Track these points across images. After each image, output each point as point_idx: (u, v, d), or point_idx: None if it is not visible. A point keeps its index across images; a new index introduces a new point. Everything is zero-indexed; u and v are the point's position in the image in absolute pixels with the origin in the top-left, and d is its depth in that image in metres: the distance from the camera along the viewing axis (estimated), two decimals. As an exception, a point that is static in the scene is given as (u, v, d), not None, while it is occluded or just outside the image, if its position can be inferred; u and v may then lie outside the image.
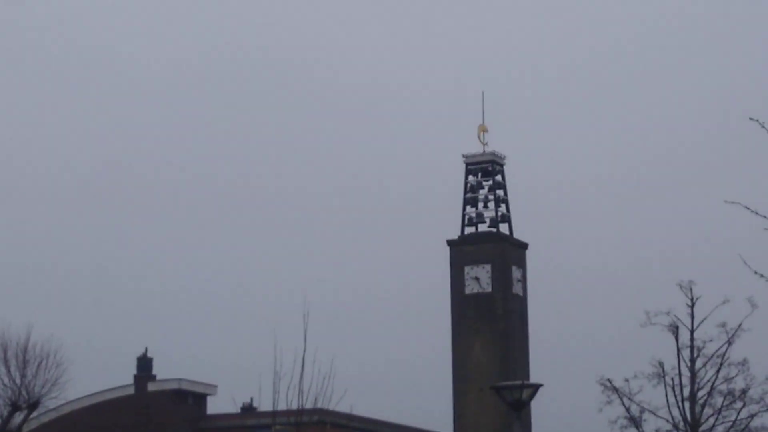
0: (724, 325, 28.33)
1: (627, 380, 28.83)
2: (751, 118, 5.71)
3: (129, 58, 69.31)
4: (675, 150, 69.02)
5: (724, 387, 28.66)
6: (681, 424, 28.50)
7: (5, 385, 28.46)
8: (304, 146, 71.19)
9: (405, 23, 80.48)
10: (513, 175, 37.17)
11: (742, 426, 29.10)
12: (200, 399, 39.22)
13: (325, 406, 11.15)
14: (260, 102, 69.06)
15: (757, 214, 5.87)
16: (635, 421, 28.92)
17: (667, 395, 28.55)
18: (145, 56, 72.89)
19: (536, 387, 9.50)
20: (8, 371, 28.55)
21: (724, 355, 28.53)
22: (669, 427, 28.77)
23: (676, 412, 28.58)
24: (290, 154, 71.60)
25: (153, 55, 74.01)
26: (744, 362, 28.67)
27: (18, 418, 28.85)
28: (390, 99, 71.54)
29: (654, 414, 28.90)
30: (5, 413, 28.55)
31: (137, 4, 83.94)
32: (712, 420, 28.84)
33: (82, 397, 36.71)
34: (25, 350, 28.76)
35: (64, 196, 63.67)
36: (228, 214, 66.25)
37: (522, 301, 34.95)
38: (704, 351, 28.57)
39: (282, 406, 11.03)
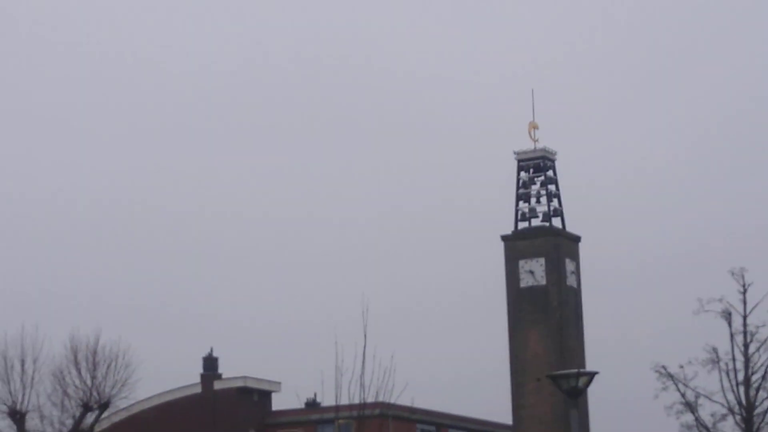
0: (776, 309, 28.96)
1: (681, 366, 29.51)
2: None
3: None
4: (722, 139, 68.88)
5: (777, 370, 29.28)
6: (736, 408, 29.12)
7: (77, 387, 29.31)
8: (355, 146, 72.81)
9: (455, 20, 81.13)
10: (564, 169, 38.02)
11: (796, 407, 29.65)
12: (265, 396, 40.16)
13: (387, 400, 11.09)
14: (319, 105, 70.81)
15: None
16: (691, 406, 29.62)
17: (721, 380, 29.18)
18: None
19: (592, 375, 9.77)
20: (79, 373, 29.41)
21: (776, 339, 29.21)
22: (724, 411, 29.36)
23: (731, 397, 29.20)
24: (342, 152, 73.32)
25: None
26: (796, 345, 29.31)
27: (90, 418, 29.79)
28: (442, 97, 72.50)
29: (709, 399, 29.55)
30: (77, 414, 29.47)
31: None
32: (766, 403, 29.52)
33: (151, 397, 37.70)
34: (95, 352, 29.65)
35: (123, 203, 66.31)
36: (283, 213, 68.70)
37: (576, 293, 35.76)
38: (757, 336, 29.17)
39: (344, 401, 11.22)
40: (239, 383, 38.47)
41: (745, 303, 29.33)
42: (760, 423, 29.41)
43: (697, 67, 72.10)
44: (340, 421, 16.73)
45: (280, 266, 64.20)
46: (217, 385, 38.70)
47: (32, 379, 29.01)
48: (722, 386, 29.23)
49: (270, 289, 63.18)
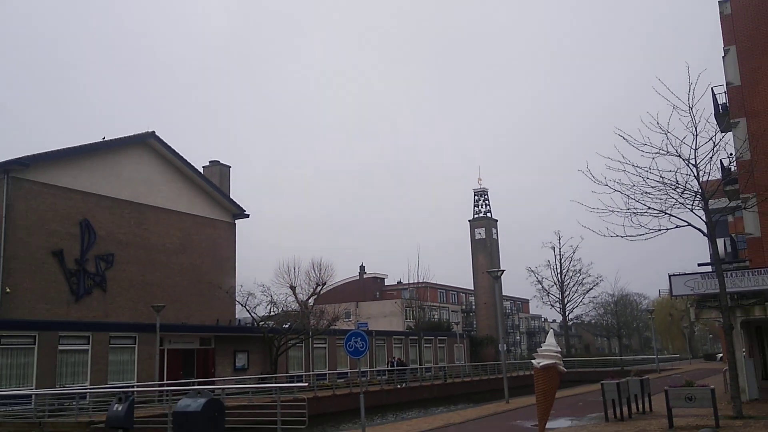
0: None
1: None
2: None
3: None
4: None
5: None
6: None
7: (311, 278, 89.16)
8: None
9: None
10: (492, 196, 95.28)
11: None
12: (381, 279, 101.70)
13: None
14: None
15: None
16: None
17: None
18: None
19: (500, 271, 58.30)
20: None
21: None
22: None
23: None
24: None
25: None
26: None
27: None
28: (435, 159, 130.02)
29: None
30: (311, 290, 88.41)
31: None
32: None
33: (337, 281, 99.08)
34: (320, 264, 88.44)
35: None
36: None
37: (496, 242, 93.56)
38: None
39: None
40: (370, 275, 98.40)
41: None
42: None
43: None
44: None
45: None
46: (365, 277, 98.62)
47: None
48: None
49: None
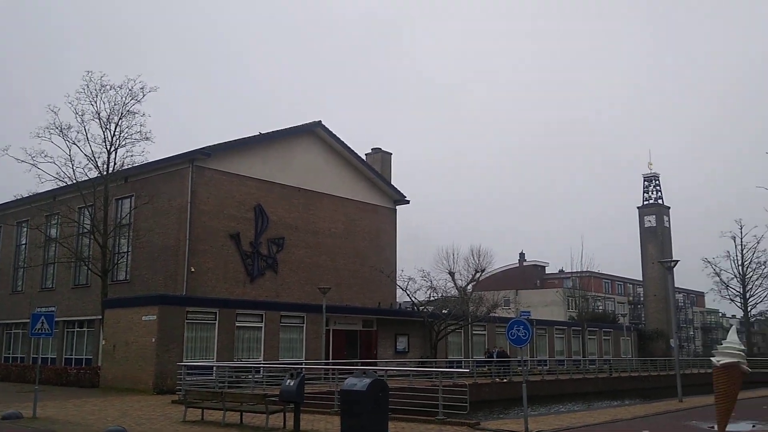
0: None
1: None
2: None
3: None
4: None
5: None
6: None
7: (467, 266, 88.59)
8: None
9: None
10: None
11: None
12: (542, 267, 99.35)
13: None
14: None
15: None
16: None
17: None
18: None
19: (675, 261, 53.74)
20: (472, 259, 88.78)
21: None
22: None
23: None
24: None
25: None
26: None
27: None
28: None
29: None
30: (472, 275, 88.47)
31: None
32: None
33: (496, 268, 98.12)
34: (479, 251, 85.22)
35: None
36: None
37: (666, 229, 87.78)
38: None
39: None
40: (531, 262, 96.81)
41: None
42: None
43: None
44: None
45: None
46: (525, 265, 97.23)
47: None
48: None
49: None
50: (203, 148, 36.87)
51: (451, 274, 48.77)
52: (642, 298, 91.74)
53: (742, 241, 76.65)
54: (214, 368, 29.04)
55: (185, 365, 26.92)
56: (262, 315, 34.81)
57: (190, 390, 20.53)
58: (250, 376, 27.51)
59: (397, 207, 48.96)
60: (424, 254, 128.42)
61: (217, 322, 32.67)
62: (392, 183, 48.64)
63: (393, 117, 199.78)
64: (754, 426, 16.90)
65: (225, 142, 38.52)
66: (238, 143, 39.03)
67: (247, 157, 39.40)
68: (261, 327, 34.61)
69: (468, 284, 49.20)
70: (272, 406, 16.48)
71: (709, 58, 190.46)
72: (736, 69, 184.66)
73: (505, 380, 37.55)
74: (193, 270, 35.49)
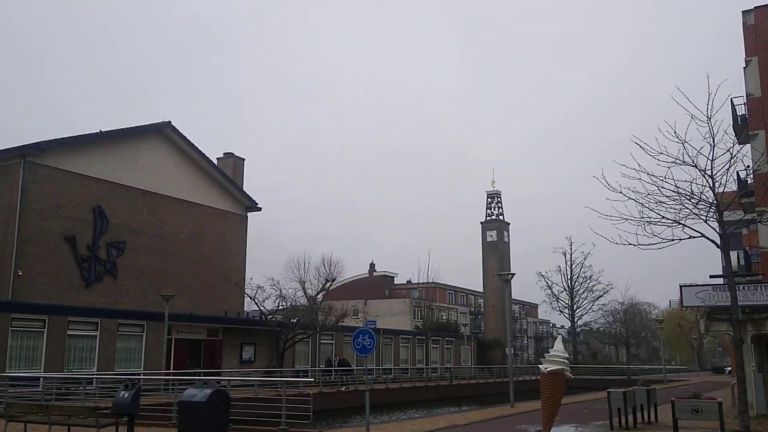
0: None
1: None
2: None
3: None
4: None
5: None
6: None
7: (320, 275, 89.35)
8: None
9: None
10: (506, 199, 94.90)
11: None
12: (391, 278, 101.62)
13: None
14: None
15: None
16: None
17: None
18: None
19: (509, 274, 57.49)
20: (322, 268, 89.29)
21: None
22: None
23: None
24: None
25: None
26: None
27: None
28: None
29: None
30: (321, 285, 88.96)
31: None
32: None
33: (347, 278, 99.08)
34: (330, 259, 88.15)
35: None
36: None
37: (507, 244, 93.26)
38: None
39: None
40: (380, 273, 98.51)
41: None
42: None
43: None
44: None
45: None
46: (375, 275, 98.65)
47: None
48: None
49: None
50: (38, 142, 34.31)
51: (302, 283, 48.67)
52: (482, 309, 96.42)
53: (571, 257, 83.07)
54: (41, 379, 26.99)
55: (8, 376, 24.86)
56: (97, 323, 32.86)
57: (13, 403, 18.91)
58: (81, 388, 25.78)
59: (249, 214, 48.14)
60: (278, 260, 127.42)
61: (46, 329, 30.43)
62: (244, 189, 47.78)
63: (247, 120, 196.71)
64: (576, 429, 18.21)
65: (62, 138, 36.07)
66: (77, 139, 36.67)
67: (88, 155, 37.13)
68: (96, 336, 32.64)
69: (318, 293, 49.30)
70: (103, 420, 15.51)
71: (537, 95, 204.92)
72: (572, 99, 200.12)
73: (350, 389, 37.85)
74: (20, 273, 32.83)
